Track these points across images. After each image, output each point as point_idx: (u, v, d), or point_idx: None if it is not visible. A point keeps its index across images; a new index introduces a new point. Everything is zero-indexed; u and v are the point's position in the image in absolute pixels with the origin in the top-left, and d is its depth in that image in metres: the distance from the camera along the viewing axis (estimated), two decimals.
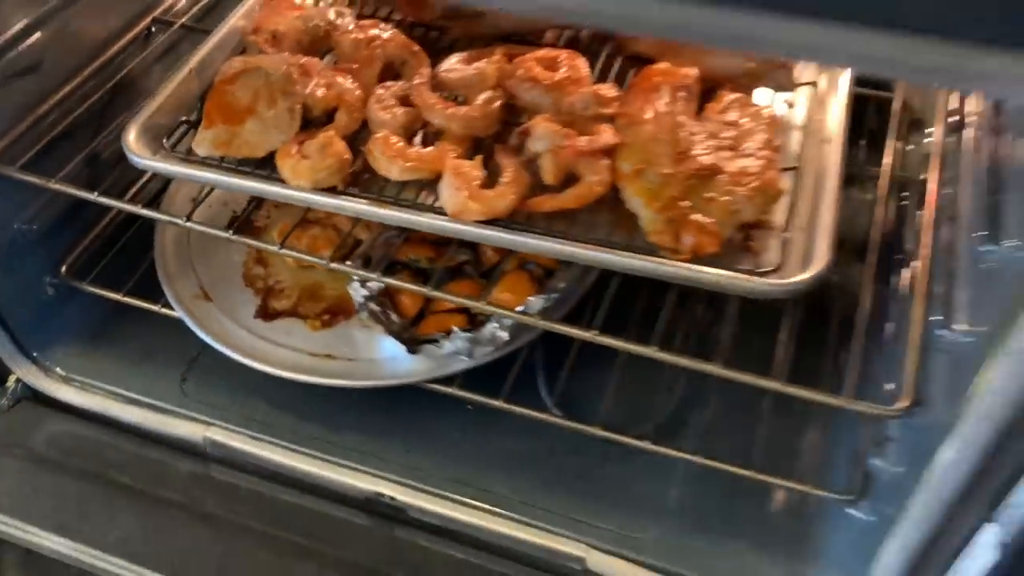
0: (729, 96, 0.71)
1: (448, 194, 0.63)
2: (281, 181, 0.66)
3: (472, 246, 0.77)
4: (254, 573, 0.73)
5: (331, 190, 0.66)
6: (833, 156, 0.67)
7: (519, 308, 0.71)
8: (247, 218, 0.83)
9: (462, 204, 0.62)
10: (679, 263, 0.60)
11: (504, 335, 0.74)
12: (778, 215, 0.65)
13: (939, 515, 0.51)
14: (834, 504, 0.69)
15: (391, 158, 0.65)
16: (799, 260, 0.61)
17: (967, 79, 0.35)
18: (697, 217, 0.61)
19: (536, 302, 0.72)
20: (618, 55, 0.77)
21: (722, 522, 0.74)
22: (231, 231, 0.73)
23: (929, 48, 0.33)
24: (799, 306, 0.71)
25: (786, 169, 0.67)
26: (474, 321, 0.76)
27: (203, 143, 0.68)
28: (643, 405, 0.78)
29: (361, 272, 0.73)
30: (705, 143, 0.66)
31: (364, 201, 0.65)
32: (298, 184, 0.65)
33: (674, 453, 0.72)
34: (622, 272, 0.64)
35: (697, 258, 0.61)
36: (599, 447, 0.76)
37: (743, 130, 0.68)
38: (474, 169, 0.64)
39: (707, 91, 0.72)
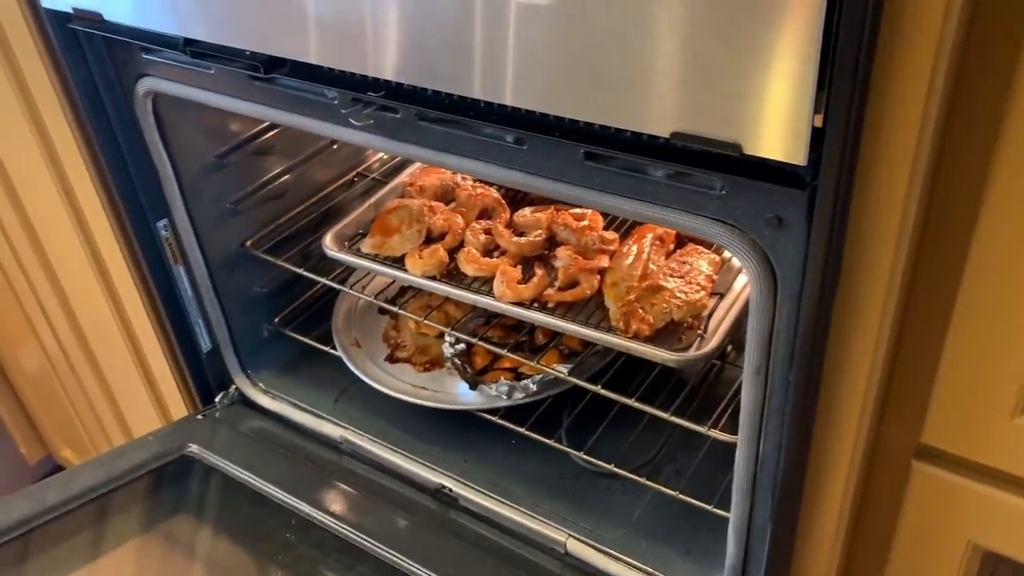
0: (692, 247, 1.09)
1: (496, 285, 1.05)
2: (405, 271, 1.11)
3: (527, 332, 1.18)
4: (362, 514, 1.13)
5: (432, 279, 1.10)
6: (738, 286, 1.03)
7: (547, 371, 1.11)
8: (393, 300, 1.28)
9: (501, 291, 1.04)
10: (625, 340, 0.98)
11: (533, 387, 1.13)
12: (710, 321, 1.02)
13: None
14: None
15: (468, 262, 1.09)
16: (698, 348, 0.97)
17: None
18: (641, 313, 0.99)
19: (559, 368, 1.11)
20: None
21: (665, 533, 1.06)
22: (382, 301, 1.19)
23: None
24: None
25: (714, 293, 1.04)
26: (518, 377, 1.16)
27: (367, 245, 1.15)
28: (629, 447, 1.13)
29: (451, 338, 1.16)
30: (663, 272, 1.04)
31: (448, 285, 1.08)
32: (413, 272, 1.10)
33: (643, 481, 1.06)
34: (595, 343, 1.02)
35: (639, 338, 0.98)
36: (591, 474, 1.12)
37: (694, 268, 1.06)
38: (515, 272, 1.06)
39: (683, 242, 1.11)
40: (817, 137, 0.56)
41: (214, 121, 1.13)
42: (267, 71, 0.84)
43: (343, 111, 0.82)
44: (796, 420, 0.72)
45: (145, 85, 1.00)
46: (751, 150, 0.58)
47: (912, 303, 0.66)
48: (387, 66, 0.74)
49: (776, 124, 0.56)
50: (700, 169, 0.64)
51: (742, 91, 0.56)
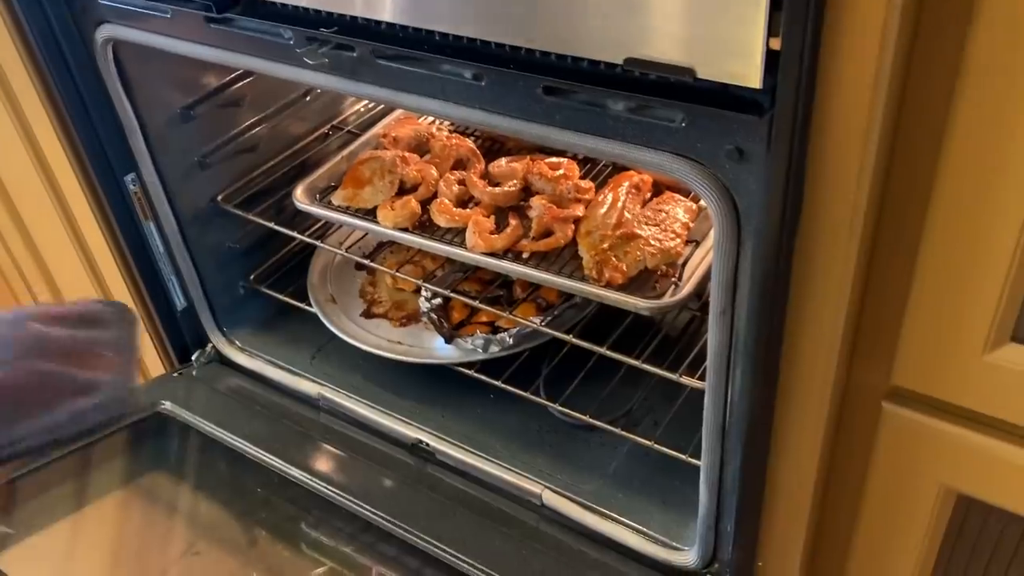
0: (669, 195, 1.07)
1: (468, 235, 1.03)
2: (376, 223, 1.09)
3: (505, 286, 1.16)
4: (339, 470, 1.12)
5: (404, 231, 1.08)
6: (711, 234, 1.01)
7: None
8: (371, 255, 1.26)
9: (474, 241, 1.02)
10: (598, 288, 0.96)
11: (510, 340, 1.11)
12: (685, 269, 0.99)
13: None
14: None
15: (440, 213, 1.06)
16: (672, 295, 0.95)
17: None
18: (615, 261, 0.97)
19: (534, 320, 1.09)
20: (612, 164, 1.16)
21: (642, 484, 1.05)
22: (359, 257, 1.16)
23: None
24: None
25: (690, 241, 1.02)
26: (495, 332, 1.14)
27: (338, 197, 1.12)
28: (607, 399, 1.11)
29: (428, 292, 1.14)
30: (638, 221, 1.02)
31: (420, 236, 1.06)
32: (384, 224, 1.07)
33: (617, 431, 1.05)
34: (572, 294, 1.00)
35: (612, 286, 0.96)
36: (569, 427, 1.11)
37: (669, 216, 1.03)
38: (488, 222, 1.04)
39: (660, 191, 1.09)
40: (774, 61, 0.54)
41: (178, 70, 1.10)
42: (221, 11, 0.81)
43: (299, 51, 0.80)
44: (761, 362, 0.70)
45: (104, 32, 0.97)
46: (705, 74, 0.55)
47: (879, 239, 0.64)
48: None
49: (730, 46, 0.53)
50: (659, 99, 0.61)
51: (693, 14, 0.54)
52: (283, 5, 0.78)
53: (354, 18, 0.74)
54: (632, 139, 0.66)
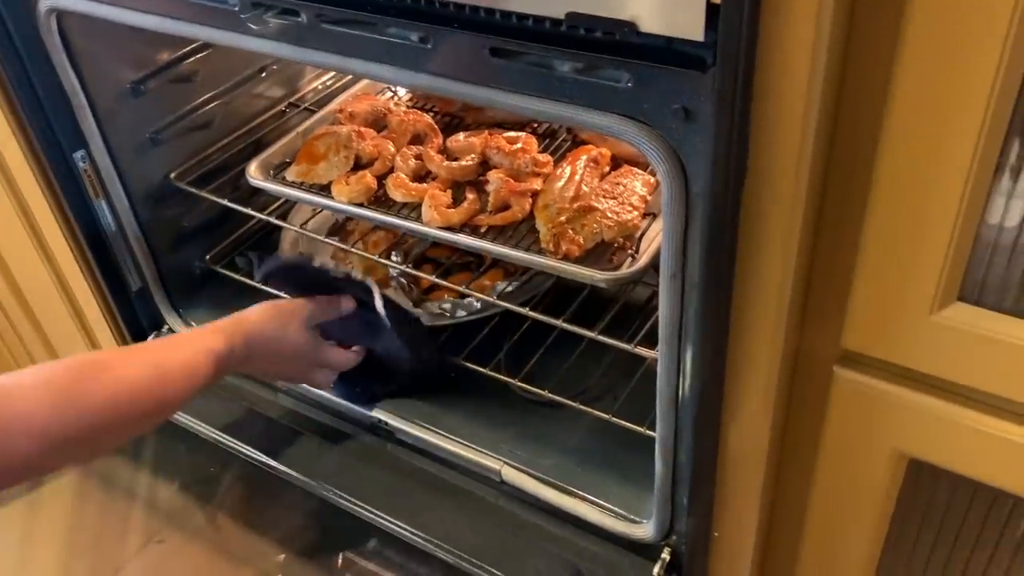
0: (627, 168, 1.06)
1: (424, 209, 1.02)
2: (332, 198, 1.07)
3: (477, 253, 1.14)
4: (300, 450, 1.12)
5: (360, 206, 1.06)
6: None
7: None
8: (342, 227, 1.24)
9: (430, 216, 1.00)
10: (555, 261, 0.95)
11: (477, 305, 1.11)
12: (642, 241, 0.99)
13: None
14: None
15: (396, 188, 1.05)
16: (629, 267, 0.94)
17: None
18: (571, 234, 0.96)
19: (501, 285, 1.09)
20: (571, 139, 1.15)
21: (603, 459, 1.04)
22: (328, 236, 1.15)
23: None
24: None
25: (648, 214, 1.01)
26: (463, 297, 1.14)
27: (292, 173, 1.10)
28: (569, 375, 1.10)
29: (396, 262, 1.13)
30: (595, 194, 1.01)
31: (376, 211, 1.04)
32: (339, 200, 1.06)
33: (575, 405, 1.04)
34: (523, 265, 0.99)
35: (569, 259, 0.95)
36: (531, 404, 1.10)
37: (627, 188, 1.02)
38: (444, 196, 1.03)
39: (619, 164, 1.08)
40: (716, 14, 0.53)
41: (127, 43, 1.07)
42: None
43: (243, 16, 0.78)
44: (711, 328, 0.69)
45: (47, 2, 0.95)
46: (648, 27, 0.54)
47: (826, 201, 0.64)
48: None
49: None
50: (604, 56, 0.60)
51: None
52: None
53: None
54: (579, 101, 0.65)
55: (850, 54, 0.57)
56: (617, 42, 0.59)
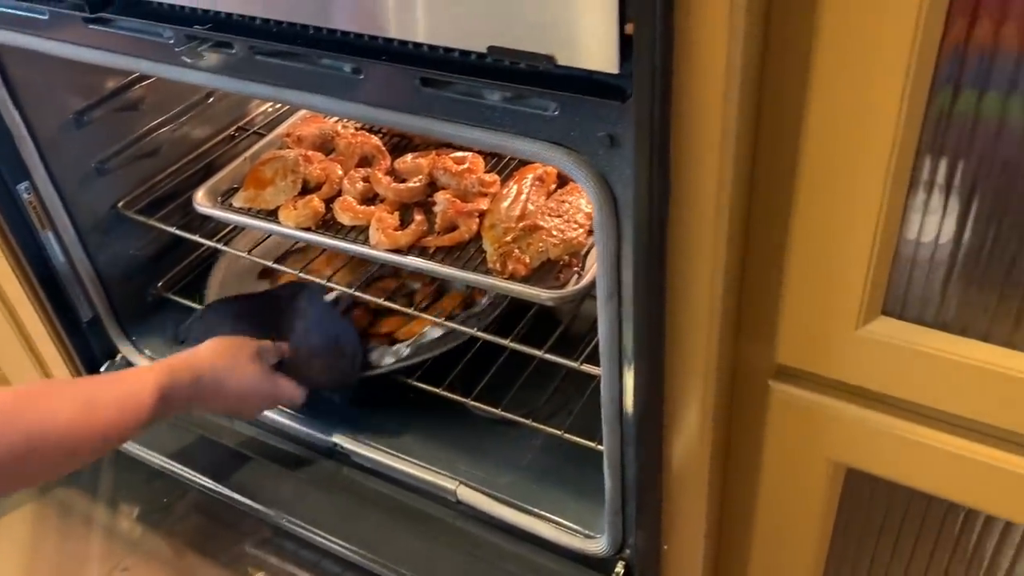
0: (573, 186, 1.07)
1: (371, 232, 1.02)
2: (279, 223, 1.07)
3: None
4: (255, 477, 1.11)
5: (308, 231, 1.06)
6: None
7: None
8: (280, 259, 1.24)
9: (377, 238, 1.01)
10: (501, 281, 0.96)
11: (405, 351, 1.11)
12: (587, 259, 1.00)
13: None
14: None
15: (343, 211, 1.05)
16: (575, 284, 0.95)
17: None
18: (517, 254, 0.97)
19: (432, 331, 1.10)
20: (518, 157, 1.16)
21: (557, 476, 1.05)
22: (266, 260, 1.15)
23: None
24: None
25: (593, 231, 1.02)
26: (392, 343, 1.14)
27: (239, 199, 1.11)
28: (522, 394, 1.11)
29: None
30: (541, 212, 1.02)
31: (323, 236, 1.05)
32: (286, 224, 1.06)
33: (528, 423, 1.05)
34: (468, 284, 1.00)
35: (516, 278, 0.96)
36: (486, 423, 1.11)
37: (573, 206, 1.04)
38: (391, 219, 1.03)
39: (565, 182, 1.09)
40: (630, 46, 0.54)
41: (68, 74, 1.07)
42: (94, 10, 0.79)
43: (178, 50, 0.78)
44: (647, 346, 0.70)
45: None
46: (565, 61, 0.56)
47: (751, 221, 0.65)
48: None
49: (586, 33, 0.54)
50: (528, 87, 0.61)
51: (548, 1, 0.54)
52: (159, 4, 0.77)
53: (229, 15, 0.73)
54: (510, 129, 0.66)
55: (765, 79, 0.58)
56: (541, 73, 0.60)
